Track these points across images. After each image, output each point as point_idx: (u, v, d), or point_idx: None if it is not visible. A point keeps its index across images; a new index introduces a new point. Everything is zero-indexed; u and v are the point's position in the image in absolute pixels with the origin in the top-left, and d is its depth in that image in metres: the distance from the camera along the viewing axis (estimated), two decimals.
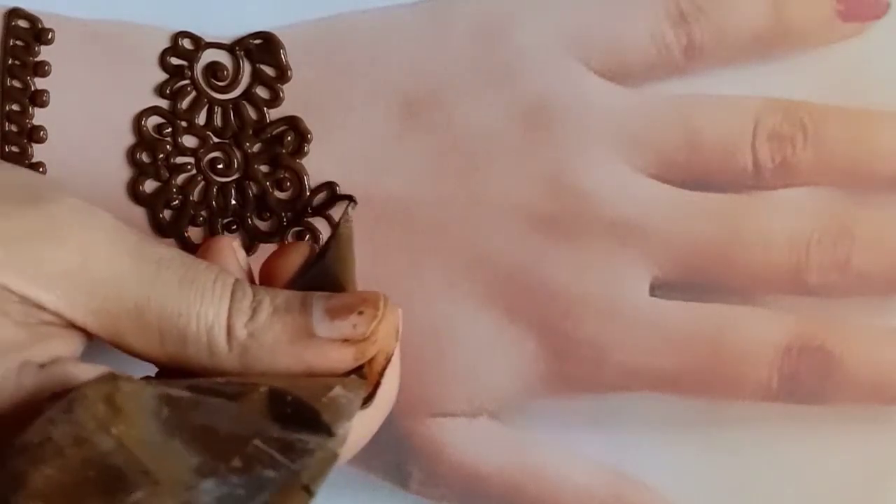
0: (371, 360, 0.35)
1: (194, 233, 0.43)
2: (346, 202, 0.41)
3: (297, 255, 0.38)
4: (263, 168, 0.43)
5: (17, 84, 0.43)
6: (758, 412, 0.44)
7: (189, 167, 0.43)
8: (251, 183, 0.43)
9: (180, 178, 0.43)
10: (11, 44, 0.42)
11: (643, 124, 0.43)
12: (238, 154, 0.43)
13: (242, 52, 0.43)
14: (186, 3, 0.43)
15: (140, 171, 0.43)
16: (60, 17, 0.43)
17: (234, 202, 0.43)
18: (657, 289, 0.43)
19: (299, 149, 0.43)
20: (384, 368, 0.35)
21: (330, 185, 0.43)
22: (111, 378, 0.32)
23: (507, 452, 0.44)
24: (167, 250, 0.35)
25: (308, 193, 0.43)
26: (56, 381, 0.33)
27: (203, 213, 0.43)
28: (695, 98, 0.44)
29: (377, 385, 0.35)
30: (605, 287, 0.43)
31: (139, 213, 0.43)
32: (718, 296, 0.44)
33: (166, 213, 0.43)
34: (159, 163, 0.43)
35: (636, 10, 0.43)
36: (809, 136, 0.44)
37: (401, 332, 0.36)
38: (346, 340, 0.34)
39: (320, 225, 0.43)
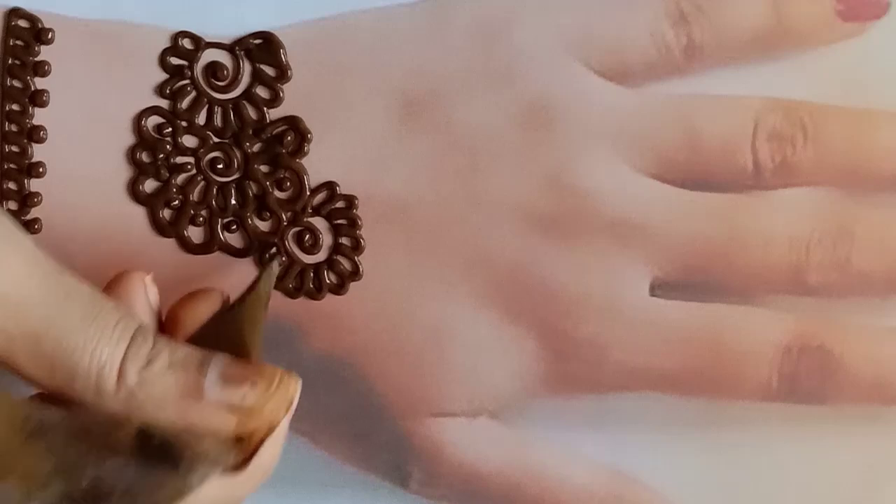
0: (255, 425, 0.35)
1: (194, 233, 0.43)
2: (273, 258, 0.41)
3: (208, 305, 0.37)
4: (263, 168, 0.43)
5: (17, 84, 0.43)
6: (758, 412, 0.44)
7: (189, 167, 0.43)
8: (251, 183, 0.43)
9: (180, 178, 0.43)
10: (11, 44, 0.42)
11: (643, 124, 0.43)
12: (238, 154, 0.43)
13: (242, 52, 0.43)
14: (186, 3, 0.43)
15: (140, 171, 0.43)
16: (60, 17, 0.43)
17: (234, 202, 0.43)
18: (657, 289, 0.43)
19: (299, 149, 0.43)
20: (263, 439, 0.35)
21: (330, 185, 0.43)
22: None
23: (507, 452, 0.44)
24: (79, 285, 0.34)
25: (308, 193, 0.43)
26: None
27: (203, 213, 0.43)
28: (695, 98, 0.44)
29: (253, 453, 0.34)
30: (605, 287, 0.43)
31: (139, 213, 0.43)
32: (718, 296, 0.44)
33: (166, 213, 0.43)
34: (159, 163, 0.43)
35: (636, 10, 0.43)
36: (809, 136, 0.44)
37: (295, 405, 0.35)
38: (231, 407, 0.34)
39: (320, 225, 0.43)
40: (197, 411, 0.34)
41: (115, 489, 0.32)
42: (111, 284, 0.37)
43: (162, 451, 0.33)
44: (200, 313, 0.37)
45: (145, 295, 0.37)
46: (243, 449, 0.34)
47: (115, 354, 0.34)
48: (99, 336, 0.34)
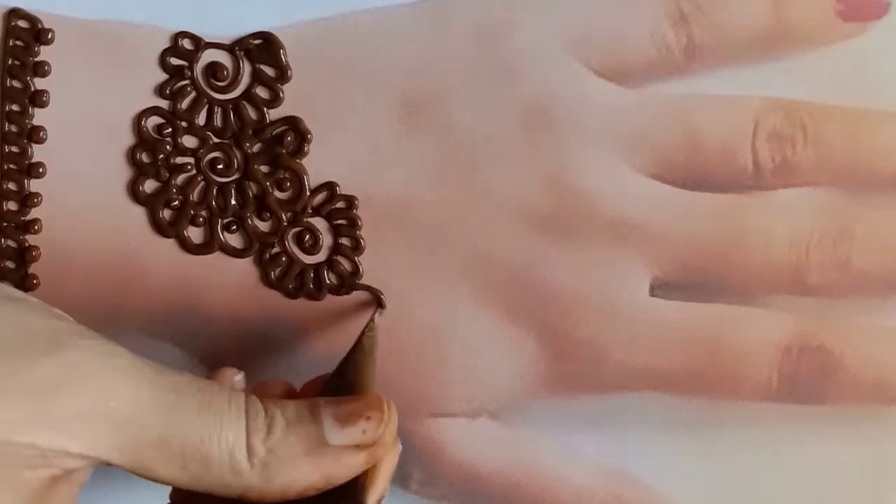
0: (370, 483, 0.37)
1: (194, 233, 0.43)
2: (374, 310, 0.42)
3: (279, 387, 0.39)
4: (263, 168, 0.43)
5: (16, 84, 0.43)
6: (758, 412, 0.44)
7: (189, 167, 0.43)
8: (251, 183, 0.43)
9: (180, 178, 0.43)
10: (11, 44, 0.42)
11: (643, 124, 0.43)
12: (238, 154, 0.43)
13: (242, 52, 0.43)
14: (186, 3, 0.43)
15: (140, 171, 0.43)
16: (60, 17, 0.43)
17: (234, 202, 0.43)
18: (657, 289, 0.43)
19: (299, 149, 0.43)
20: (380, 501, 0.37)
21: (330, 185, 0.43)
22: None
23: (507, 452, 0.44)
24: (181, 377, 0.36)
25: (308, 193, 0.43)
26: None
27: (203, 213, 0.43)
28: (695, 98, 0.44)
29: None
30: (605, 287, 0.43)
31: (139, 213, 0.43)
32: (718, 296, 0.44)
33: (166, 213, 0.43)
34: (159, 163, 0.43)
35: (636, 10, 0.43)
36: (809, 136, 0.44)
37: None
38: (357, 446, 0.36)
39: (320, 225, 0.43)
40: (326, 459, 0.35)
41: None
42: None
43: None
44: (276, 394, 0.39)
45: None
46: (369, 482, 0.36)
47: (239, 434, 0.35)
48: (220, 421, 0.35)
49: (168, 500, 0.38)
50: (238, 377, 0.39)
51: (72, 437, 0.34)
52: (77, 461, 0.34)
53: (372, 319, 0.40)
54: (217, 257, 0.43)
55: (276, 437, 0.35)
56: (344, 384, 0.38)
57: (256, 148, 0.43)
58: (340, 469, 0.35)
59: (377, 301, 0.43)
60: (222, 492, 0.35)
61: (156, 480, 0.35)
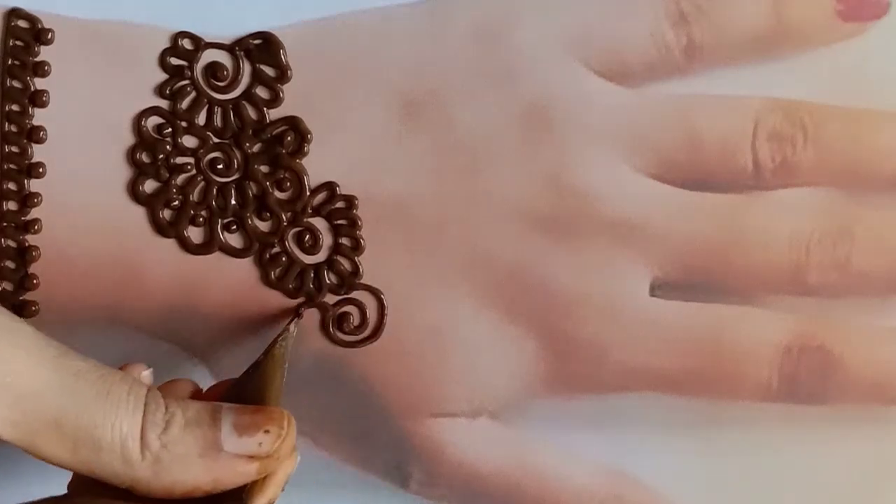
0: (259, 491, 0.37)
1: (194, 233, 0.43)
2: (291, 319, 0.42)
3: (184, 387, 0.39)
4: (263, 168, 0.43)
5: (16, 84, 0.42)
6: (758, 412, 0.44)
7: (189, 167, 0.43)
8: (251, 183, 0.43)
9: (180, 178, 0.43)
10: (11, 44, 0.42)
11: (643, 124, 0.43)
12: (238, 154, 0.43)
13: (242, 52, 0.43)
14: (186, 3, 0.43)
15: (140, 171, 0.43)
16: (60, 17, 0.43)
17: (234, 202, 0.43)
18: (657, 289, 0.43)
19: (299, 149, 0.43)
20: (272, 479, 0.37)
21: (330, 185, 0.43)
22: None
23: (507, 452, 0.44)
24: (84, 363, 0.36)
25: (308, 193, 0.43)
26: None
27: (203, 213, 0.43)
28: (695, 98, 0.44)
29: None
30: (605, 287, 0.43)
31: (139, 213, 0.43)
32: (718, 296, 0.44)
33: (166, 213, 0.43)
34: (159, 163, 0.43)
35: (636, 11, 0.43)
36: (809, 136, 0.44)
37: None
38: (251, 456, 0.36)
39: (320, 225, 0.43)
40: (219, 464, 0.35)
41: None
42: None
43: None
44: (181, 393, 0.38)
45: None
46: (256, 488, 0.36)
47: (134, 424, 0.35)
48: (115, 409, 0.35)
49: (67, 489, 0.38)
50: (146, 373, 0.39)
51: None
52: None
53: (286, 328, 0.40)
54: (217, 257, 0.43)
55: (172, 434, 0.35)
56: (249, 391, 0.38)
57: (256, 148, 0.43)
58: (231, 475, 0.36)
59: (296, 311, 0.43)
60: (111, 480, 0.35)
61: (45, 461, 0.35)
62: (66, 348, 0.36)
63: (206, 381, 0.43)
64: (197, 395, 0.39)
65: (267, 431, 0.36)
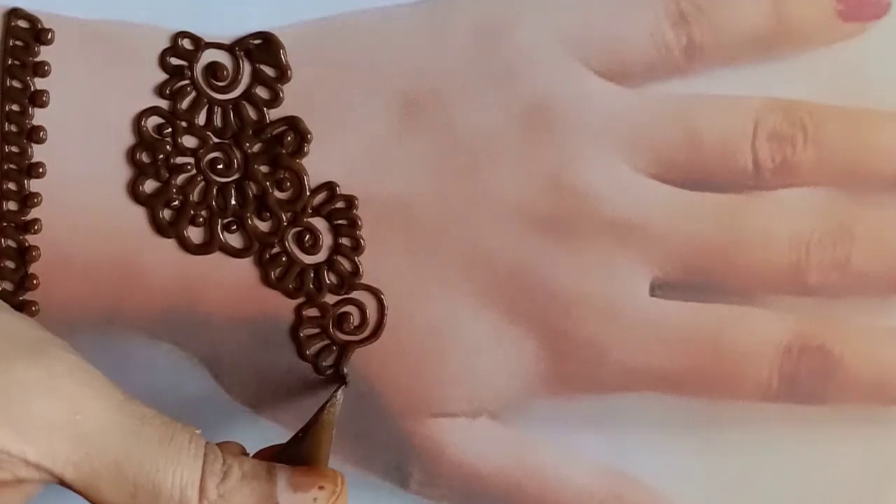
0: None
1: (194, 233, 0.43)
2: (338, 387, 0.42)
3: (233, 448, 0.39)
4: (263, 168, 0.43)
5: (16, 84, 0.42)
6: (758, 412, 0.44)
7: (189, 167, 0.43)
8: (251, 183, 0.43)
9: (180, 178, 0.43)
10: (11, 44, 0.42)
11: (643, 124, 0.43)
12: (238, 154, 0.43)
13: (242, 52, 0.43)
14: (186, 3, 0.43)
15: (140, 171, 0.43)
16: (60, 17, 0.43)
17: (234, 202, 0.43)
18: (657, 289, 0.43)
19: (299, 149, 0.43)
20: None
21: (330, 185, 0.43)
22: None
23: (507, 452, 0.44)
24: (148, 409, 0.36)
25: (308, 193, 0.43)
26: None
27: (203, 213, 0.43)
28: (695, 98, 0.44)
29: None
30: (605, 287, 0.43)
31: (139, 213, 0.43)
32: (718, 296, 0.44)
33: (166, 213, 0.43)
34: (159, 163, 0.43)
35: (636, 10, 0.43)
36: (809, 136, 0.44)
37: None
38: None
39: (320, 225, 0.43)
40: None
41: None
42: None
43: None
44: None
45: None
46: None
47: (194, 473, 0.35)
48: (177, 456, 0.35)
49: None
50: (197, 432, 0.38)
51: (33, 443, 0.34)
52: (31, 471, 0.35)
53: (334, 395, 0.40)
54: (217, 257, 0.43)
55: (230, 485, 0.36)
56: (297, 455, 0.38)
57: (256, 148, 0.43)
58: None
59: (342, 379, 0.43)
60: None
61: None
62: (129, 395, 0.36)
63: (207, 381, 0.43)
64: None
65: (322, 488, 0.36)
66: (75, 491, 0.35)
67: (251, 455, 0.39)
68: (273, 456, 0.38)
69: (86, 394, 0.35)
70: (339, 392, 0.41)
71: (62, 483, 0.35)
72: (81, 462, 0.35)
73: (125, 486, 0.35)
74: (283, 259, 0.43)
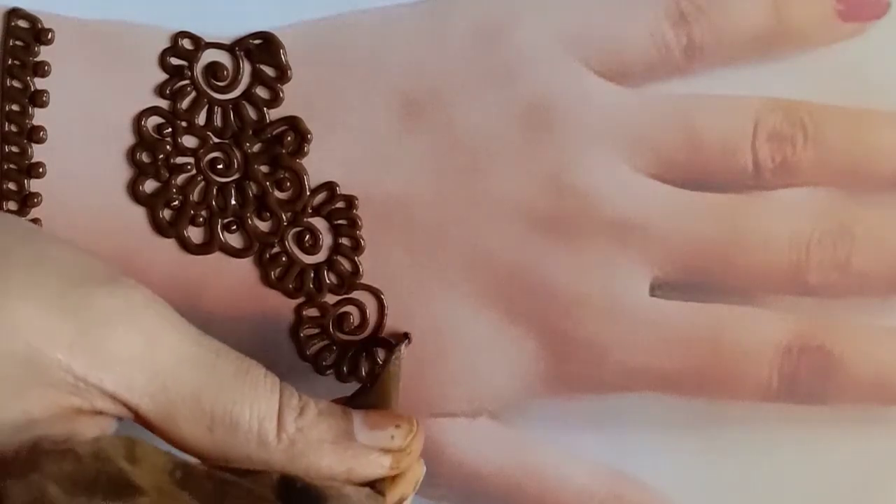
0: (392, 486, 0.37)
1: (194, 233, 0.43)
2: (402, 341, 0.42)
3: None
4: (263, 168, 0.43)
5: (16, 84, 0.42)
6: (758, 412, 0.44)
7: (189, 167, 0.43)
8: (251, 183, 0.43)
9: (180, 178, 0.43)
10: (11, 44, 0.42)
11: (643, 124, 0.43)
12: (238, 154, 0.43)
13: (242, 52, 0.43)
14: (186, 3, 0.43)
15: (140, 171, 0.43)
16: (60, 17, 0.43)
17: (234, 202, 0.43)
18: (657, 289, 0.43)
19: (299, 149, 0.43)
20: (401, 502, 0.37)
21: (330, 185, 0.43)
22: (130, 438, 0.33)
23: (507, 452, 0.44)
24: (222, 345, 0.36)
25: (308, 193, 0.43)
26: None
27: (203, 213, 0.43)
28: (695, 98, 0.44)
29: None
30: (605, 287, 0.43)
31: (139, 213, 0.43)
32: (718, 296, 0.44)
33: (166, 213, 0.43)
34: (159, 163, 0.43)
35: (636, 10, 0.43)
36: (809, 136, 0.44)
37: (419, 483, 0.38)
38: (383, 448, 0.36)
39: (320, 225, 0.43)
40: (352, 452, 0.36)
41: None
42: None
43: (305, 494, 0.34)
44: None
45: None
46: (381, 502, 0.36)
47: (272, 406, 0.35)
48: (254, 389, 0.35)
49: None
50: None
51: (110, 371, 0.34)
52: (106, 402, 0.34)
53: (398, 349, 0.40)
54: (217, 257, 0.43)
55: (307, 419, 0.35)
56: (365, 406, 0.38)
57: (256, 148, 0.43)
58: (364, 466, 0.36)
59: (405, 334, 0.43)
60: (242, 463, 0.35)
61: (177, 443, 0.35)
62: (202, 331, 0.36)
63: None
64: None
65: (398, 426, 0.36)
66: (151, 426, 0.35)
67: None
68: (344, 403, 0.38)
69: (163, 326, 0.35)
70: (403, 346, 0.41)
71: (137, 417, 0.35)
72: (158, 393, 0.34)
73: (202, 418, 0.35)
74: (283, 259, 0.43)
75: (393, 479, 0.36)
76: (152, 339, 0.35)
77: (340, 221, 0.43)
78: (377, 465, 0.36)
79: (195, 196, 0.43)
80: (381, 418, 0.37)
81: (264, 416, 0.35)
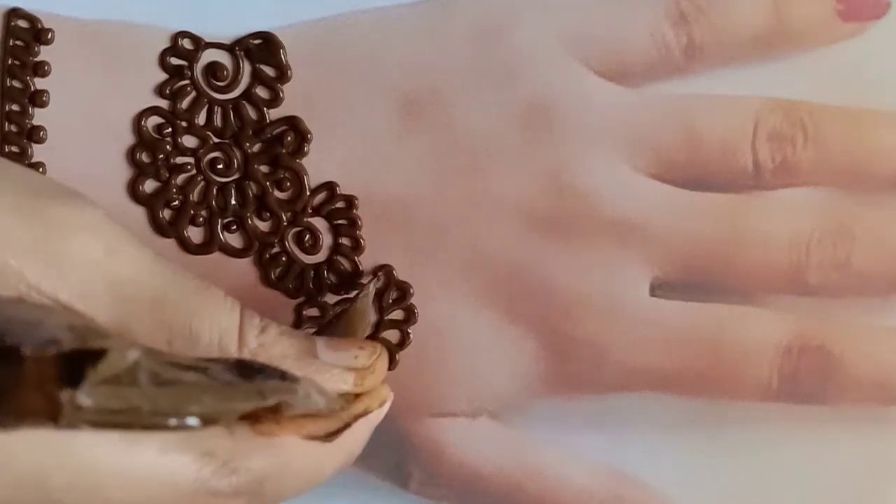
0: (353, 404, 0.36)
1: (194, 233, 0.43)
2: (371, 279, 0.42)
3: None
4: (263, 168, 0.43)
5: (16, 84, 0.43)
6: (758, 412, 0.44)
7: (189, 167, 0.43)
8: (251, 183, 0.43)
9: (180, 178, 0.43)
10: (11, 44, 0.42)
11: (643, 124, 0.43)
12: (238, 154, 0.43)
13: (242, 52, 0.43)
14: (186, 3, 0.43)
15: (140, 171, 0.43)
16: (60, 17, 0.43)
17: (234, 202, 0.43)
18: (657, 289, 0.43)
19: (299, 149, 0.43)
20: (360, 415, 0.36)
21: (330, 185, 0.43)
22: None
23: (507, 452, 0.44)
24: (180, 266, 0.36)
25: (308, 193, 0.43)
26: None
27: (203, 213, 0.43)
28: (695, 98, 0.44)
29: (346, 426, 0.35)
30: (605, 287, 0.43)
31: (139, 213, 0.43)
32: (718, 296, 0.44)
33: (166, 213, 0.43)
34: (159, 163, 0.43)
35: (636, 10, 0.43)
36: (809, 136, 0.44)
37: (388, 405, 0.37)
38: (346, 367, 0.36)
39: (320, 225, 0.43)
40: (315, 368, 0.35)
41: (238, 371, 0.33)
42: None
43: (265, 369, 0.33)
44: None
45: None
46: (340, 419, 0.35)
47: (232, 321, 0.35)
48: (214, 306, 0.35)
49: None
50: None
51: (66, 279, 0.33)
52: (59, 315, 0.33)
53: (367, 285, 0.40)
54: (217, 257, 0.43)
55: (269, 336, 0.35)
56: (334, 334, 0.38)
57: (256, 148, 0.43)
58: (328, 381, 0.35)
59: (375, 273, 0.43)
60: None
61: None
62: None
63: None
64: None
65: (361, 347, 0.36)
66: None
67: None
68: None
69: (123, 237, 0.34)
70: (372, 283, 0.41)
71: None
72: (115, 304, 0.34)
73: (161, 331, 0.34)
74: (283, 259, 0.43)
75: (357, 395, 0.36)
76: (111, 248, 0.34)
77: (340, 221, 0.43)
78: (340, 381, 0.36)
79: (195, 196, 0.43)
80: (345, 342, 0.36)
81: (225, 330, 0.35)
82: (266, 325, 0.36)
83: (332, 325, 0.39)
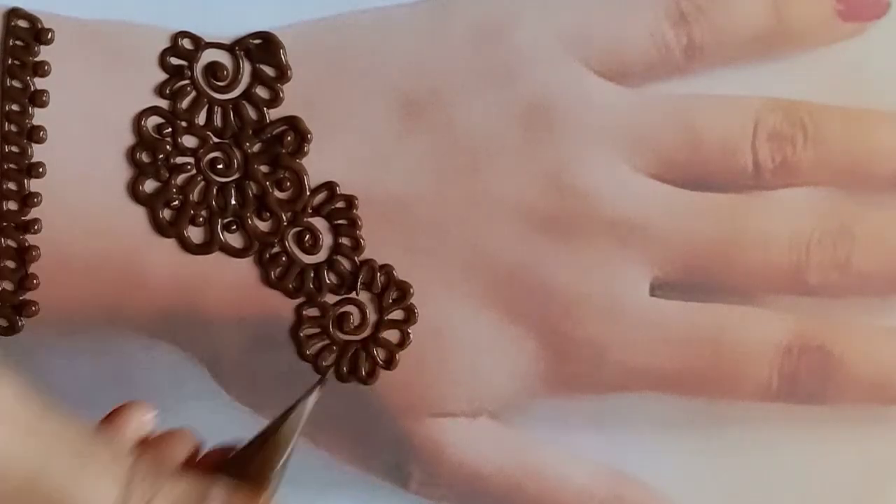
0: None
1: (194, 233, 0.43)
2: (316, 384, 0.38)
3: (183, 445, 0.36)
4: (263, 168, 0.43)
5: (16, 84, 0.42)
6: (758, 412, 0.44)
7: (189, 167, 0.43)
8: (251, 183, 0.43)
9: (180, 178, 0.43)
10: (11, 44, 0.42)
11: (643, 124, 0.43)
12: (238, 154, 0.43)
13: (242, 52, 0.43)
14: (186, 3, 0.43)
15: (140, 171, 0.43)
16: (60, 17, 0.43)
17: (234, 202, 0.43)
18: (657, 289, 0.43)
19: (299, 149, 0.43)
20: None
21: (330, 185, 0.43)
22: None
23: (507, 452, 0.44)
24: (67, 426, 0.34)
25: (308, 193, 0.43)
26: None
27: (203, 213, 0.43)
28: (695, 98, 0.44)
29: None
30: (605, 287, 0.43)
31: (139, 213, 0.43)
32: (718, 296, 0.44)
33: (166, 213, 0.43)
34: (159, 163, 0.43)
35: (636, 11, 0.43)
36: (809, 136, 0.44)
37: None
38: None
39: (320, 225, 0.43)
40: None
41: None
42: (109, 416, 0.36)
43: None
44: (179, 453, 0.36)
45: (143, 426, 0.36)
46: None
47: (108, 498, 0.33)
48: (94, 479, 0.33)
49: None
50: (149, 416, 0.36)
51: None
52: None
53: (305, 399, 0.37)
54: (217, 257, 0.43)
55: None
56: (252, 464, 0.36)
57: (256, 148, 0.43)
58: None
59: (320, 379, 0.39)
60: None
61: None
62: (49, 410, 0.34)
63: (207, 381, 0.43)
64: (194, 456, 0.36)
65: None
66: None
67: (206, 452, 0.37)
68: (224, 460, 0.36)
69: None
70: (314, 394, 0.38)
71: None
72: None
73: None
74: (283, 259, 0.43)
75: None
76: None
77: (340, 221, 0.43)
78: None
79: (195, 196, 0.43)
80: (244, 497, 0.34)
81: None
82: (155, 494, 0.33)
83: (256, 447, 0.36)
